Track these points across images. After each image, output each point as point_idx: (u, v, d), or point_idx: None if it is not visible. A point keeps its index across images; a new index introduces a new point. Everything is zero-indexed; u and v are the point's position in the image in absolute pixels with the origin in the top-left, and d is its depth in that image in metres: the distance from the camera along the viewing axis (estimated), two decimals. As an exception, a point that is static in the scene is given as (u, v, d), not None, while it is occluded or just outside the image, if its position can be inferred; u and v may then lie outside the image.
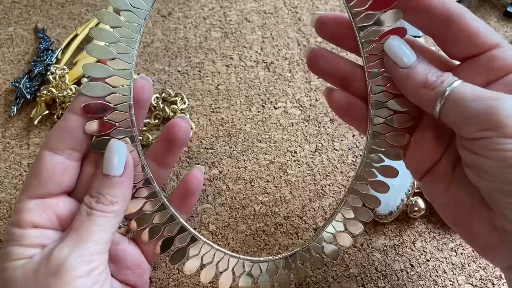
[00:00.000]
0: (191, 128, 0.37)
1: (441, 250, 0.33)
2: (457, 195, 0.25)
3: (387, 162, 0.28)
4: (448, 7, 0.25)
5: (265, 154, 0.37)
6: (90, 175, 0.27)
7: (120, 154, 0.26)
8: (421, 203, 0.33)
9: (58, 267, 0.23)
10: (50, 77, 0.39)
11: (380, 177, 0.28)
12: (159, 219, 0.29)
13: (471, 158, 0.23)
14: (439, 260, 0.32)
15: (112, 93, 0.26)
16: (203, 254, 0.29)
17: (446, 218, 0.27)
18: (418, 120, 0.27)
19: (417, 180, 0.28)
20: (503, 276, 0.31)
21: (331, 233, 0.29)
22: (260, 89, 0.40)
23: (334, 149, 0.37)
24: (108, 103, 0.26)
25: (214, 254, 0.29)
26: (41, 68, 0.40)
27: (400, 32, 0.26)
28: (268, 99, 0.39)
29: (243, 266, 0.29)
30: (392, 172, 0.28)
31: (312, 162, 0.36)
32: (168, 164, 0.31)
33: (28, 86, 0.39)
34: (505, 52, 0.24)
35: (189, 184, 0.31)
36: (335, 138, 0.37)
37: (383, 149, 0.28)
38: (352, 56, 0.29)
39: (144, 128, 0.38)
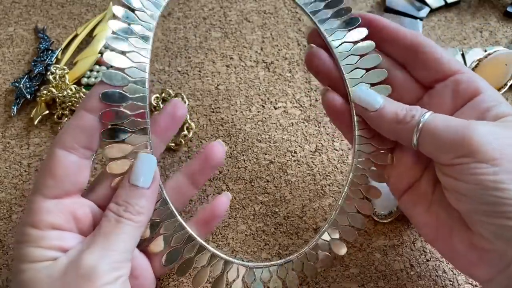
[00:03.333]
0: (192, 128, 0.37)
1: (441, 250, 0.33)
2: (438, 215, 0.27)
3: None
4: (418, 37, 0.28)
5: (265, 154, 0.37)
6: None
7: (149, 167, 0.27)
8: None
9: (89, 272, 0.23)
10: (50, 77, 0.39)
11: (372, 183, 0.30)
12: (177, 239, 0.28)
13: (450, 183, 0.25)
14: (439, 260, 0.32)
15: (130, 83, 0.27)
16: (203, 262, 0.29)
17: (425, 236, 0.28)
18: None
19: (396, 198, 0.29)
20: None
21: (326, 241, 0.30)
22: (260, 89, 0.40)
23: (334, 149, 0.37)
24: (125, 92, 0.27)
25: (210, 257, 0.29)
26: (41, 68, 0.40)
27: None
28: (268, 99, 0.39)
29: (237, 271, 0.29)
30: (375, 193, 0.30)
31: (312, 162, 0.36)
32: (199, 183, 0.31)
33: (28, 86, 0.39)
34: (468, 77, 0.27)
35: (216, 210, 0.30)
36: (335, 138, 0.37)
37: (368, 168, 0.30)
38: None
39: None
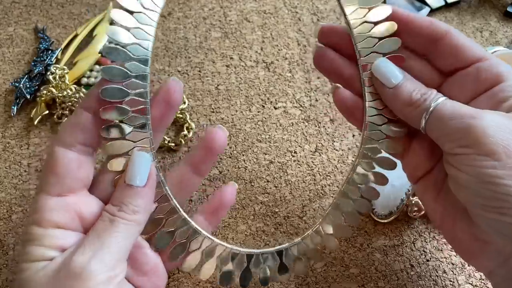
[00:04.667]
0: (192, 128, 0.37)
1: (441, 250, 0.33)
2: (444, 204, 0.27)
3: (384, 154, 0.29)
4: (435, 26, 0.27)
5: (265, 154, 0.37)
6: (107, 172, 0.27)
7: (144, 165, 0.26)
8: (421, 203, 0.33)
9: (80, 272, 0.23)
10: (50, 77, 0.39)
11: (378, 169, 0.29)
12: (181, 234, 0.28)
13: (452, 172, 0.25)
14: (439, 260, 0.32)
15: (130, 79, 0.26)
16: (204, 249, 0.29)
17: (434, 222, 0.28)
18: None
19: (411, 183, 0.29)
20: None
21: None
22: (260, 89, 0.40)
23: (334, 149, 0.37)
24: (126, 89, 0.26)
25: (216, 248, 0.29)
26: (41, 68, 0.40)
27: (398, 59, 0.28)
28: (268, 99, 0.39)
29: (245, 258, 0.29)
30: (390, 163, 0.29)
31: (312, 162, 0.36)
32: (203, 172, 0.31)
33: (28, 86, 0.39)
34: (491, 65, 0.26)
35: (223, 200, 0.30)
36: (335, 138, 0.37)
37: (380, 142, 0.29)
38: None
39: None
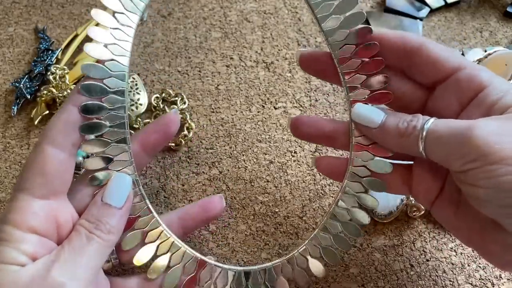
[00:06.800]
0: (192, 128, 0.37)
1: (441, 250, 0.33)
2: (466, 218, 0.26)
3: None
4: (407, 40, 0.27)
5: (265, 154, 0.37)
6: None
7: (124, 187, 0.26)
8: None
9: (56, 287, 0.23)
10: (51, 77, 0.39)
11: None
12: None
13: (468, 190, 0.23)
14: (439, 260, 0.32)
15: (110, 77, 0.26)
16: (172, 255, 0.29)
17: (461, 240, 0.27)
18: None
19: (428, 209, 0.28)
20: (502, 275, 0.32)
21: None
22: (260, 89, 0.40)
23: (334, 149, 0.37)
24: (104, 104, 0.26)
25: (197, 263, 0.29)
26: (41, 68, 0.40)
27: (385, 96, 0.28)
28: (268, 99, 0.39)
29: (227, 275, 0.29)
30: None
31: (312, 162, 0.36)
32: (153, 152, 0.31)
33: (28, 86, 0.39)
34: (470, 73, 0.25)
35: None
36: (335, 138, 0.37)
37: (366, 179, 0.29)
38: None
39: (144, 128, 0.38)
